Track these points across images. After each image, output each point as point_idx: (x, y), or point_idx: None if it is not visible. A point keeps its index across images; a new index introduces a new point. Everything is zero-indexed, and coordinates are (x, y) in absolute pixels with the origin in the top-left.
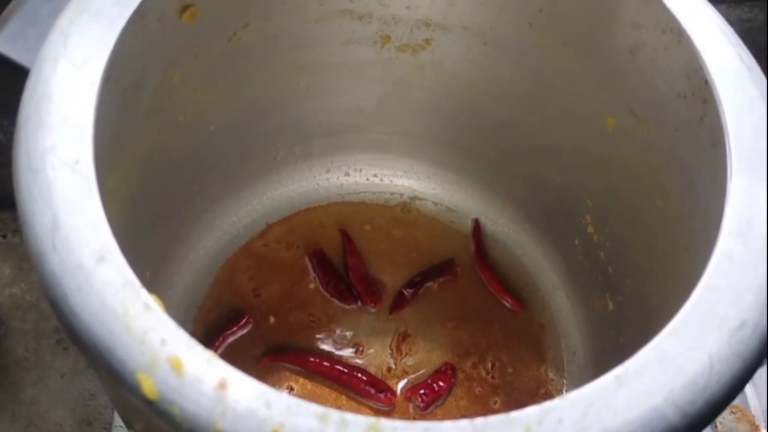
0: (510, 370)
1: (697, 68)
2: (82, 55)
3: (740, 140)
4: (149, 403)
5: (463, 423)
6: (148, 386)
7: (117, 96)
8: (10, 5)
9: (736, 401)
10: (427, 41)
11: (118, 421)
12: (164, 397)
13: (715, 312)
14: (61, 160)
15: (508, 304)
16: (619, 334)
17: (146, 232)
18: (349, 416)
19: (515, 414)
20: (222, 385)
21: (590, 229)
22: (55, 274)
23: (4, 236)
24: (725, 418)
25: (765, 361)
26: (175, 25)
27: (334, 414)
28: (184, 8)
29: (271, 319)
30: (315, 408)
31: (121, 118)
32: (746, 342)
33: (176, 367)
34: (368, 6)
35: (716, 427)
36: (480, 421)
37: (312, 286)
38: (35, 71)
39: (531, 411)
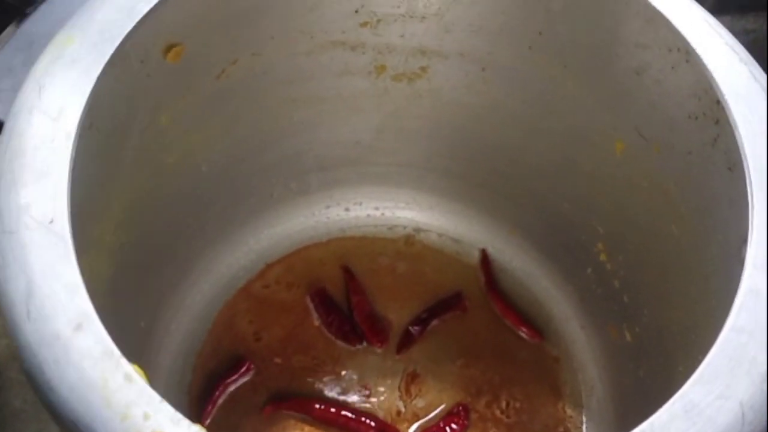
0: (525, 408)
1: (708, 88)
2: (58, 105)
3: (759, 162)
4: None
5: None
6: None
7: (100, 143)
8: None
9: None
10: (424, 69)
11: None
12: None
13: (745, 355)
14: (35, 220)
15: (524, 335)
16: (638, 366)
17: (139, 280)
18: None
19: None
20: None
21: (603, 257)
22: (30, 345)
23: None
24: None
25: None
26: (160, 65)
27: None
28: (169, 48)
29: (276, 361)
30: None
31: (105, 165)
32: None
33: None
34: (361, 36)
35: None
36: None
37: (315, 326)
38: (9, 124)
39: None
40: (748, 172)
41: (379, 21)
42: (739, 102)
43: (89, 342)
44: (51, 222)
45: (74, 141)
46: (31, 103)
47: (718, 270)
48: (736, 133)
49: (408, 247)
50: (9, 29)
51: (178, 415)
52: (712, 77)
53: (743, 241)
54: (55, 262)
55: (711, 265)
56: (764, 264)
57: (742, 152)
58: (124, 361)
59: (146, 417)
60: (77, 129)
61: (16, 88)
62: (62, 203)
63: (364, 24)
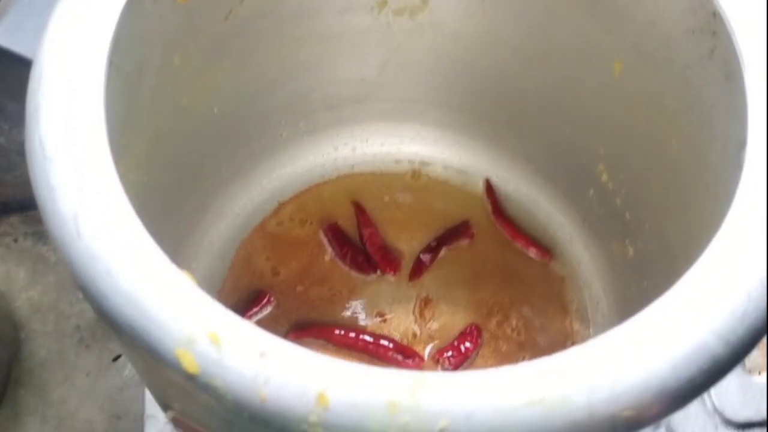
0: (535, 325)
1: (704, 1)
2: (85, 41)
3: (756, 69)
4: (191, 378)
5: (505, 369)
6: (189, 361)
7: (120, 82)
8: None
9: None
10: (425, 2)
11: (149, 411)
12: (205, 371)
13: (747, 240)
14: (76, 148)
15: (534, 256)
16: (642, 279)
17: (159, 221)
18: (393, 373)
19: (560, 355)
20: (262, 354)
21: (604, 178)
22: (82, 260)
23: (15, 240)
24: (752, 354)
25: None
26: (171, 6)
27: (378, 372)
28: None
29: (295, 292)
30: (357, 368)
31: (126, 105)
32: None
33: (215, 340)
34: None
35: (744, 362)
36: (524, 365)
37: (329, 260)
38: (39, 61)
39: (575, 350)
40: (745, 76)
41: None
42: (735, 11)
43: (139, 253)
44: (91, 148)
45: (105, 75)
46: (59, 41)
47: (718, 178)
48: (734, 42)
49: (415, 180)
50: None
51: (229, 314)
52: None
53: (742, 144)
54: (99, 183)
55: (711, 174)
56: (763, 157)
57: (739, 59)
58: (174, 267)
59: (199, 318)
60: (106, 64)
61: (40, 27)
62: (101, 131)
63: None
